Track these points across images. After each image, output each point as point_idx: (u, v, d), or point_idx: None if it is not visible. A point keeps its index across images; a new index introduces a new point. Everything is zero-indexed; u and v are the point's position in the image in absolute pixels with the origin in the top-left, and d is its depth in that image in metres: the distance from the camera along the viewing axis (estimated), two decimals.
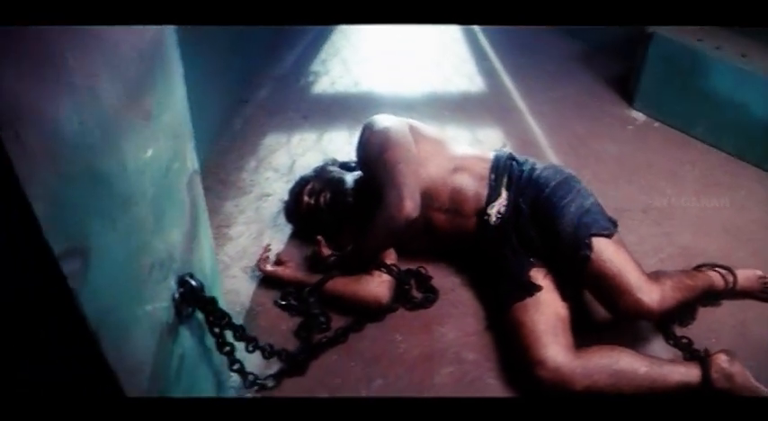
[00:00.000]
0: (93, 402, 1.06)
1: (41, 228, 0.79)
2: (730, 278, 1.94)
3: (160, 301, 1.20)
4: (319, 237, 2.02)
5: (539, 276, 1.80)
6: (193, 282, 1.28)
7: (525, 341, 1.69)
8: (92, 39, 0.89)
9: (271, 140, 2.92)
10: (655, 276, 1.77)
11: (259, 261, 2.07)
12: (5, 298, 0.89)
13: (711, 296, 1.95)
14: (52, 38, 0.80)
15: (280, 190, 2.50)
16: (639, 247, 2.17)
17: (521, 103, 3.28)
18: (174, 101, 1.21)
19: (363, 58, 3.86)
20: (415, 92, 3.43)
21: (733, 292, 1.96)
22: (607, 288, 1.70)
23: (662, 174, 2.67)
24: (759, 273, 2.01)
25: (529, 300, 1.75)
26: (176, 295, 1.26)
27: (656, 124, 3.07)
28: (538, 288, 1.77)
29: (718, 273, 1.96)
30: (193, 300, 1.30)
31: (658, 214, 2.41)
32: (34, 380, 1.01)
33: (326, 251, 2.02)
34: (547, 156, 2.75)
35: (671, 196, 2.54)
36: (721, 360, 1.64)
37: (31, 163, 0.76)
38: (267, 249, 2.13)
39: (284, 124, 3.06)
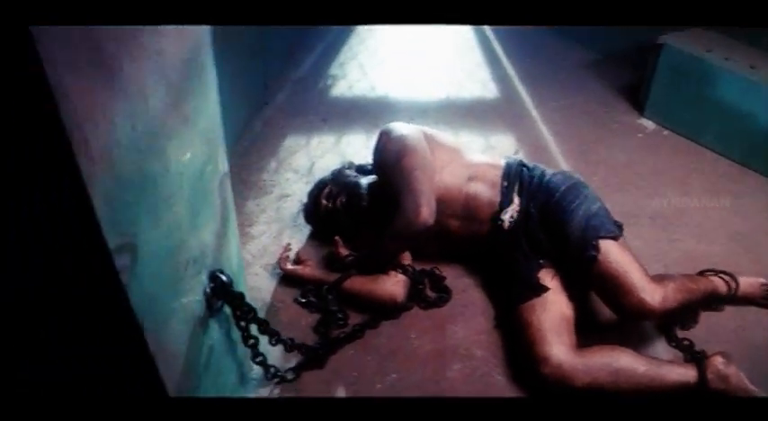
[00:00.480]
0: (134, 393, 1.16)
1: (100, 225, 0.88)
2: (733, 284, 2.00)
3: (194, 295, 1.29)
4: (337, 238, 2.10)
5: (547, 277, 1.88)
6: (224, 278, 1.38)
7: (531, 339, 1.77)
8: (141, 47, 0.98)
9: (290, 142, 3.01)
10: (658, 278, 1.84)
11: (279, 260, 2.16)
12: (62, 290, 0.98)
13: (714, 301, 2.02)
14: (109, 47, 0.88)
15: (299, 191, 2.60)
16: (645, 252, 2.23)
17: (533, 110, 3.36)
18: (208, 106, 1.30)
19: (379, 63, 3.97)
20: (430, 97, 3.52)
21: (735, 298, 2.03)
22: (612, 288, 1.78)
23: (669, 181, 2.74)
24: (762, 280, 2.07)
25: (536, 300, 1.83)
26: (208, 289, 1.36)
27: (666, 132, 3.13)
28: (545, 289, 1.85)
29: (722, 278, 2.02)
30: (223, 295, 1.40)
31: (664, 220, 2.48)
32: (82, 369, 1.11)
33: (344, 251, 2.10)
34: (557, 162, 2.82)
35: (677, 203, 2.60)
36: (718, 362, 1.71)
37: (92, 165, 0.85)
38: (287, 249, 2.21)
39: (303, 127, 3.16)
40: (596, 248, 1.79)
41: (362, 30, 4.52)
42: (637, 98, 3.35)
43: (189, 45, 1.18)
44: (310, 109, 3.34)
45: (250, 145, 2.93)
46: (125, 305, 0.98)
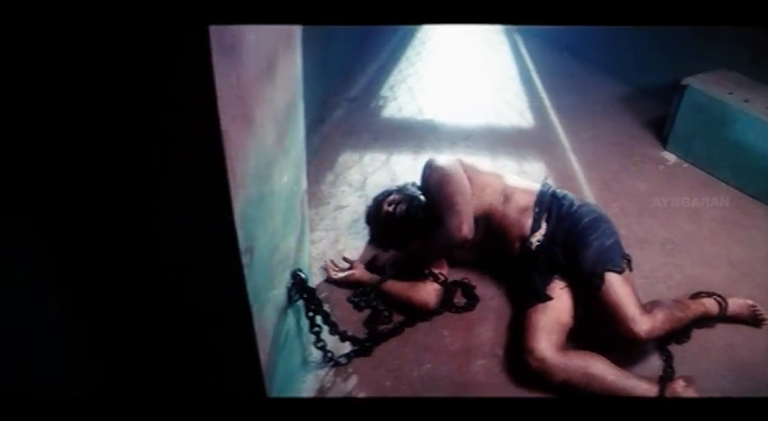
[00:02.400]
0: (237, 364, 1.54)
1: (236, 232, 1.26)
2: (723, 304, 2.32)
3: (281, 288, 1.68)
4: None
5: (556, 288, 2.22)
6: (302, 275, 1.76)
7: (526, 333, 2.12)
8: (262, 97, 1.35)
9: (345, 158, 3.40)
10: (651, 307, 2.14)
11: (327, 274, 2.54)
12: (202, 283, 1.37)
13: (706, 320, 2.33)
14: (250, 99, 1.26)
15: (353, 203, 2.98)
16: (651, 274, 2.57)
17: (564, 140, 3.69)
18: (298, 137, 1.69)
19: (427, 87, 4.34)
20: (472, 123, 3.88)
21: (725, 318, 2.34)
22: (609, 314, 2.09)
23: (683, 211, 3.04)
24: (750, 302, 2.36)
25: (540, 305, 2.18)
26: (289, 284, 1.74)
27: (685, 165, 3.43)
28: (549, 298, 2.19)
29: (715, 300, 2.33)
30: (300, 289, 1.78)
31: (674, 247, 2.78)
32: (201, 336, 1.50)
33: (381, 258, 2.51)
34: (582, 189, 3.15)
35: (688, 230, 2.90)
36: (678, 385, 2.01)
37: (235, 188, 1.23)
38: (331, 264, 2.59)
39: (357, 144, 3.55)
40: (602, 279, 2.11)
41: (412, 54, 4.92)
42: (662, 132, 3.64)
43: (292, 90, 1.56)
44: (363, 127, 3.73)
45: (309, 159, 3.29)
46: (243, 291, 1.36)
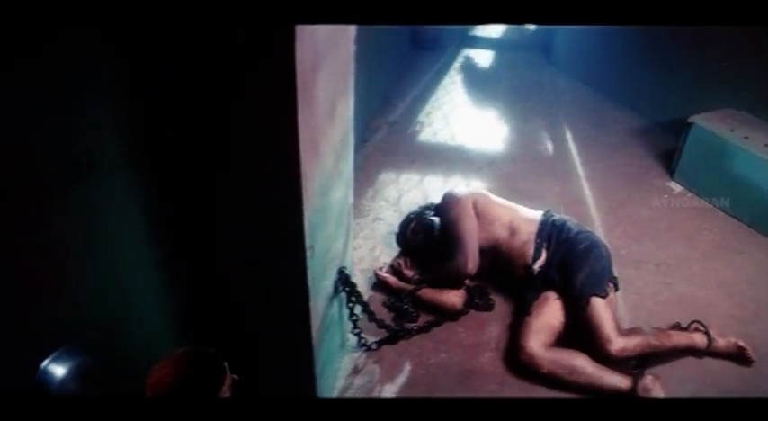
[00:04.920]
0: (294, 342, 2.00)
1: (305, 235, 1.73)
2: (709, 341, 2.55)
3: (330, 280, 2.14)
4: (400, 261, 2.99)
5: (550, 298, 2.62)
6: (347, 272, 2.22)
7: (519, 333, 2.56)
8: (325, 135, 1.81)
9: (384, 176, 3.88)
10: (628, 331, 2.50)
11: (376, 270, 3.00)
12: (279, 269, 1.83)
13: (693, 352, 2.58)
14: (317, 135, 1.72)
15: (389, 216, 3.45)
16: (642, 291, 2.96)
17: (579, 168, 4.11)
18: (348, 162, 2.17)
19: (460, 116, 4.82)
20: (497, 150, 4.34)
21: (712, 353, 2.60)
22: (588, 332, 2.48)
23: (681, 236, 3.41)
24: (739, 342, 2.56)
25: (534, 311, 2.59)
26: (336, 278, 2.20)
27: (689, 195, 3.79)
28: (530, 312, 2.60)
29: (704, 335, 2.58)
30: (344, 283, 2.23)
31: (667, 267, 3.15)
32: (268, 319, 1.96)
33: (409, 272, 2.95)
34: (591, 213, 3.55)
35: (682, 254, 3.26)
36: (648, 379, 2.37)
37: (307, 200, 1.69)
38: (380, 267, 3.05)
39: (395, 164, 4.03)
40: (587, 302, 2.50)
41: (448, 82, 5.41)
42: (670, 163, 4.00)
43: (345, 126, 2.03)
44: (401, 150, 4.22)
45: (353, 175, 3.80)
46: (305, 278, 1.82)
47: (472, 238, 2.77)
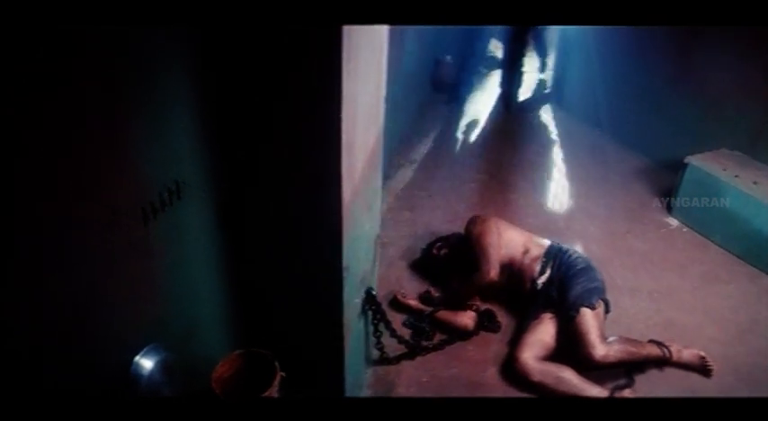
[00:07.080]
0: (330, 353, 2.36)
1: (342, 258, 2.10)
2: (668, 353, 2.91)
3: (359, 298, 2.51)
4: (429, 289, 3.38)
5: (545, 317, 2.99)
6: (373, 292, 2.59)
7: (515, 346, 2.92)
8: (353, 171, 2.19)
9: (403, 209, 4.26)
10: (610, 341, 2.82)
11: (397, 293, 3.37)
12: (322, 285, 2.20)
13: (658, 363, 2.95)
14: (353, 159, 2.11)
15: (406, 245, 3.83)
16: (634, 316, 3.29)
17: (583, 204, 4.47)
18: (376, 194, 2.52)
19: (475, 154, 5.23)
20: (507, 186, 4.72)
21: (677, 364, 2.95)
22: (576, 340, 2.83)
23: (674, 267, 3.74)
24: (701, 353, 2.93)
25: (531, 328, 2.96)
26: (363, 297, 2.57)
27: (685, 229, 4.13)
28: (531, 327, 2.97)
29: (667, 348, 2.93)
30: (371, 302, 2.60)
31: (659, 295, 3.48)
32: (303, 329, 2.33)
33: (433, 294, 3.34)
34: (590, 245, 3.88)
35: (674, 283, 3.59)
36: (625, 393, 2.73)
37: (346, 232, 2.06)
38: (402, 292, 3.41)
39: (413, 198, 4.43)
40: (577, 311, 2.87)
41: (463, 125, 5.82)
42: (669, 200, 4.32)
43: (375, 163, 2.40)
44: (419, 186, 4.61)
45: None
46: (341, 295, 2.18)
47: (495, 251, 3.17)
